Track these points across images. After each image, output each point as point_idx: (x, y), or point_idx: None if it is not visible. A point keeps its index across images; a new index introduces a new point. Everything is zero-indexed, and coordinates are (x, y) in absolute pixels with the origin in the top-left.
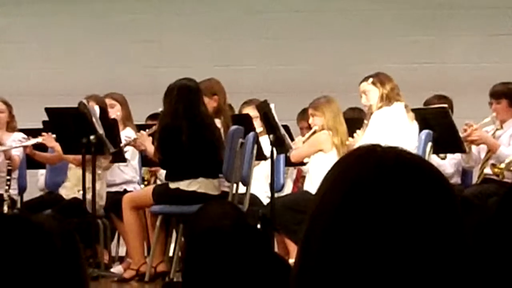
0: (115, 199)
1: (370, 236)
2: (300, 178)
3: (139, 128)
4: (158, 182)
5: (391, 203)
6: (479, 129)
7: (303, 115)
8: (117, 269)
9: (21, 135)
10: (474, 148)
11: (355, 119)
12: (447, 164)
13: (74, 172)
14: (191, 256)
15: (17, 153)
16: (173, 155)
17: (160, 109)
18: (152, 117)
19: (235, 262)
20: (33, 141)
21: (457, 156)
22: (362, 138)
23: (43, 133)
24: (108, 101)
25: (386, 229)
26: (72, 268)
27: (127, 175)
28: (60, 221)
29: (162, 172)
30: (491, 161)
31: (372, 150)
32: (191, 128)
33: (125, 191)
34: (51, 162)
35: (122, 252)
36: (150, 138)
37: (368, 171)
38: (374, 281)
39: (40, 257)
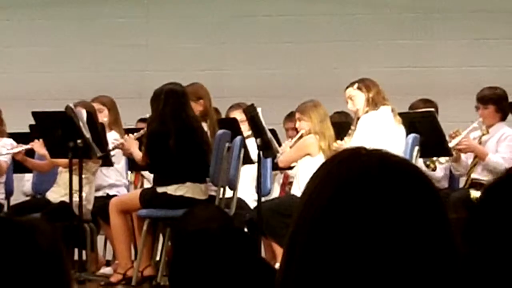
0: (101, 203)
1: (355, 238)
2: (287, 183)
3: (127, 132)
4: (145, 186)
5: (376, 205)
6: (467, 138)
7: (290, 117)
8: (107, 270)
9: (10, 141)
10: (463, 155)
11: (342, 123)
12: (437, 167)
13: (63, 177)
14: (178, 258)
15: (5, 159)
16: (161, 160)
17: (148, 114)
18: (142, 120)
19: (222, 265)
20: (23, 147)
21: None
22: (350, 143)
23: (35, 140)
24: (96, 105)
25: (372, 232)
26: (56, 270)
27: (110, 178)
28: (45, 224)
29: (149, 176)
30: (478, 166)
31: (357, 153)
32: (179, 133)
33: (108, 195)
34: (41, 170)
35: (109, 256)
36: (137, 142)
37: (353, 173)
38: (358, 284)
39: (24, 259)
